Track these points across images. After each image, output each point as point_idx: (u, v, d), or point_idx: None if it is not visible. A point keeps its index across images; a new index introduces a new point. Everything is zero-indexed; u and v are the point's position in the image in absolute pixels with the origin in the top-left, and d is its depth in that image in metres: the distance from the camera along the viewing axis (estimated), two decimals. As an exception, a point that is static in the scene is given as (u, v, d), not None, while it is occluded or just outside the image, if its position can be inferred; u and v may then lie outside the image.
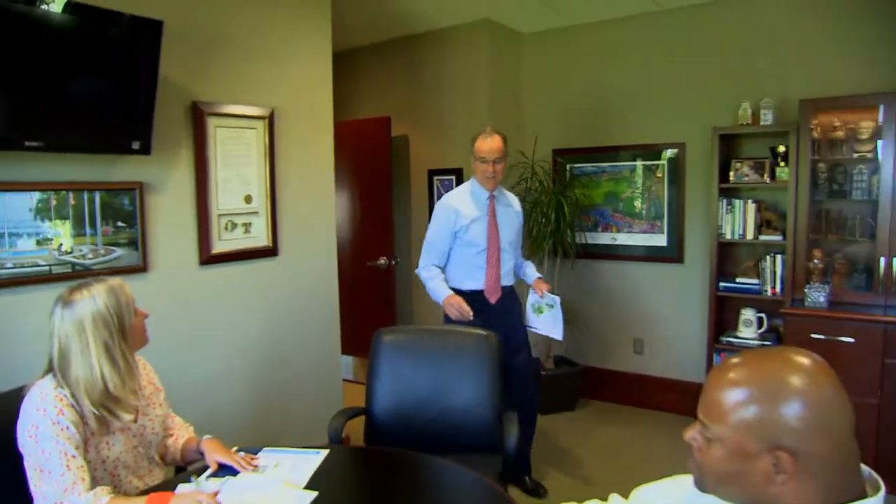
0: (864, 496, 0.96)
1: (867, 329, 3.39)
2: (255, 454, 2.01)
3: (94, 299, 1.77)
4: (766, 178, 4.01)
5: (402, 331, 2.91)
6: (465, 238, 3.28)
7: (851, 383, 3.64)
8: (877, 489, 0.97)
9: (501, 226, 3.32)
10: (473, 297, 3.24)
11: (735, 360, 1.02)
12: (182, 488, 1.80)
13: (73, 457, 1.67)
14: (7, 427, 1.75)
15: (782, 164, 3.93)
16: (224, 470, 1.91)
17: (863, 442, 3.59)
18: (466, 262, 3.30)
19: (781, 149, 3.93)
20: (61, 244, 2.51)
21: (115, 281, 1.86)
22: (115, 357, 1.78)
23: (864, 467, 1.00)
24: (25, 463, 1.69)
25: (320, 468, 1.93)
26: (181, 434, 2.12)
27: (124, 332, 1.82)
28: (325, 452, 2.03)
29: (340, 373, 3.82)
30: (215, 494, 1.73)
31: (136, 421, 1.91)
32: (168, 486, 1.83)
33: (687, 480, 1.14)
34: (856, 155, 3.64)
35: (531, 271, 3.52)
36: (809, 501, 0.95)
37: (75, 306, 1.76)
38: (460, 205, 3.30)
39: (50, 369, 1.79)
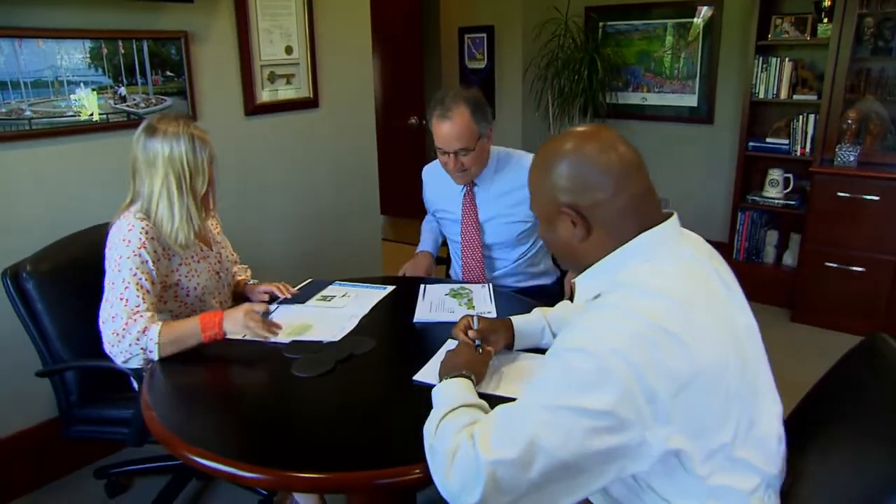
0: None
1: (894, 188, 3.45)
2: (327, 286, 2.18)
3: (173, 142, 1.77)
4: (807, 36, 3.92)
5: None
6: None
7: (871, 240, 3.66)
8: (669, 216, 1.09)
9: (488, 224, 2.35)
10: None
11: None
12: None
13: (148, 291, 1.75)
14: (97, 255, 1.88)
15: (825, 20, 3.83)
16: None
17: (878, 298, 3.75)
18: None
19: (827, 2, 3.80)
20: (116, 92, 2.58)
21: (200, 133, 1.83)
22: (174, 206, 1.80)
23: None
24: (105, 286, 1.76)
25: (382, 301, 2.07)
26: (240, 273, 2.27)
27: (194, 190, 1.82)
28: (391, 288, 2.16)
29: (379, 223, 3.95)
30: (266, 312, 1.84)
31: (212, 249, 2.05)
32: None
33: None
34: (908, 8, 3.52)
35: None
36: (608, 246, 1.06)
37: (154, 140, 1.78)
38: (431, 182, 2.53)
39: (132, 199, 1.86)
